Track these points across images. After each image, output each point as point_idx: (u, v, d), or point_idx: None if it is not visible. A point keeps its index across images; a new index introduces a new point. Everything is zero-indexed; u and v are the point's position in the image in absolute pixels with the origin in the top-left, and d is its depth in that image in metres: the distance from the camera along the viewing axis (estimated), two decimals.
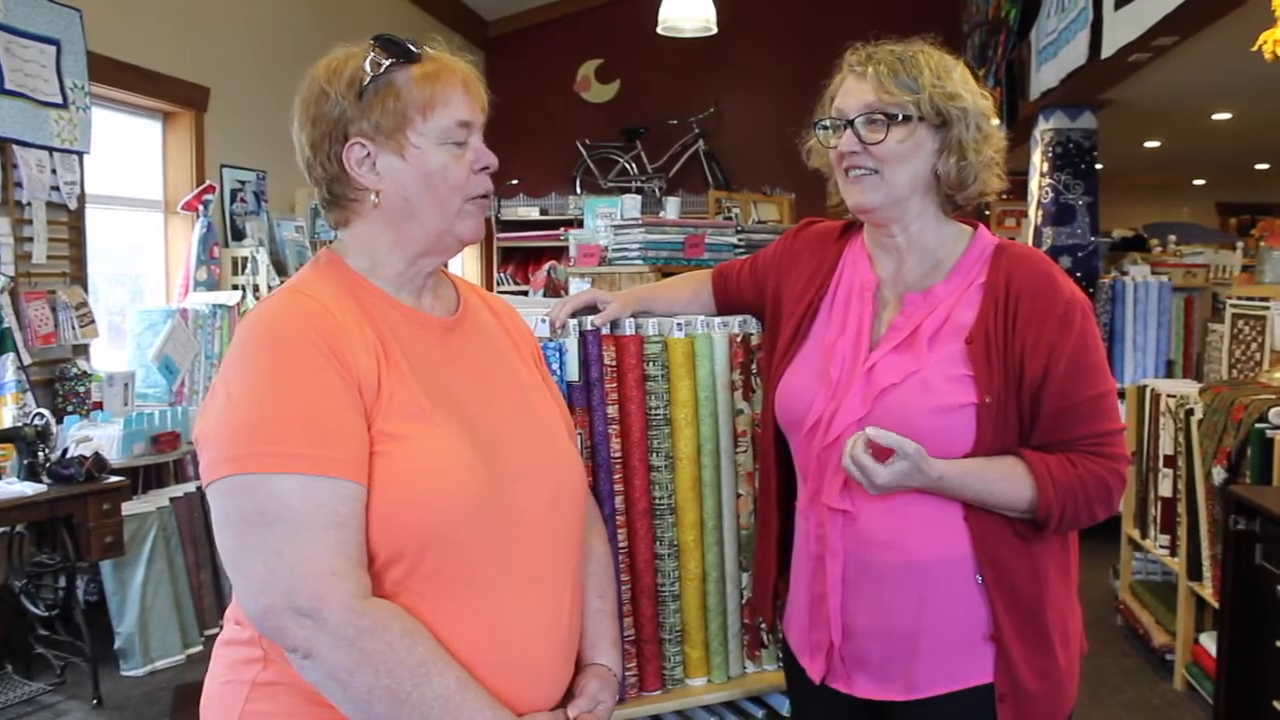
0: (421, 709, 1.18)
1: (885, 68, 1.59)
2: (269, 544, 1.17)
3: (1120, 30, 5.20)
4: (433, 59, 1.37)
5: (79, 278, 4.83)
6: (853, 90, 1.62)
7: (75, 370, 4.64)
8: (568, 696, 1.40)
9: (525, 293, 7.97)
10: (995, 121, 1.66)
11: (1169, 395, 4.26)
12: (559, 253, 8.19)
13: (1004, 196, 1.82)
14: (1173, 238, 8.05)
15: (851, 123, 1.61)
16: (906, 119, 1.59)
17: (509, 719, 1.25)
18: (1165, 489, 4.25)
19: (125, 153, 5.55)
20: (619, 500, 1.94)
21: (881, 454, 1.51)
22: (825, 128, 1.67)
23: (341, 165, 1.34)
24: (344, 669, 1.17)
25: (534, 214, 9.36)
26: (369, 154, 1.34)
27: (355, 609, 1.18)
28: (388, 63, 1.33)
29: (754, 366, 2.02)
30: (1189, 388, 4.20)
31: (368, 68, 1.33)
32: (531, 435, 1.41)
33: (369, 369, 1.27)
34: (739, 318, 2.03)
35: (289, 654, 1.20)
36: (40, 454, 3.96)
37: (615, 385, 1.94)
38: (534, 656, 1.33)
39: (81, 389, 4.63)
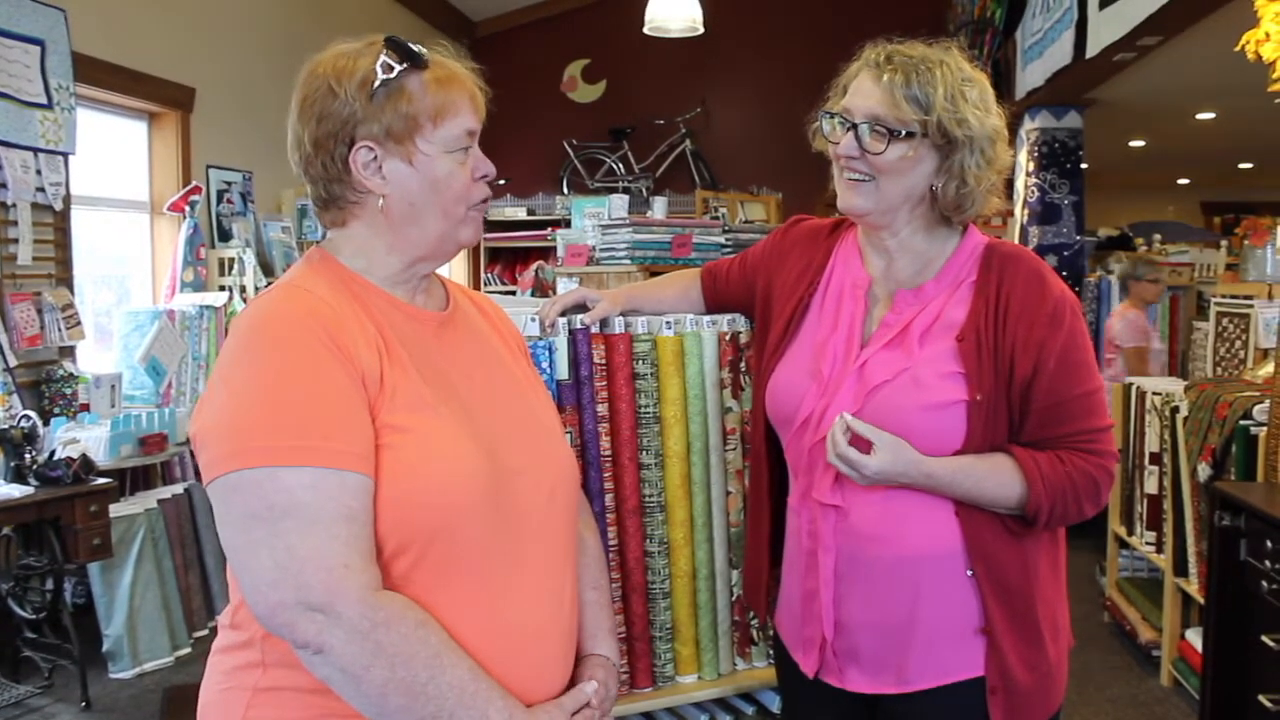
0: (436, 700, 1.18)
1: (901, 77, 1.56)
2: (279, 539, 1.16)
3: (1105, 30, 5.24)
4: (442, 65, 1.37)
5: (65, 279, 4.81)
6: (865, 91, 1.60)
7: (62, 372, 4.62)
8: (569, 687, 1.39)
9: (513, 293, 7.95)
10: (1004, 140, 1.63)
11: (1155, 393, 4.28)
12: (546, 253, 8.19)
13: None
14: (1158, 237, 8.10)
15: (855, 126, 1.60)
16: (910, 135, 1.57)
17: (518, 709, 1.25)
18: (1151, 486, 4.27)
19: (111, 154, 5.52)
20: (609, 498, 1.95)
21: (862, 446, 1.52)
22: (831, 116, 1.64)
23: (345, 166, 1.33)
24: (359, 663, 1.16)
25: (521, 214, 9.34)
26: (376, 158, 1.33)
27: (370, 602, 1.17)
28: (400, 66, 1.32)
29: (743, 365, 2.03)
30: (1174, 385, 4.23)
31: (380, 70, 1.31)
32: (527, 428, 1.41)
33: (371, 362, 1.26)
34: (728, 316, 2.04)
35: (298, 651, 1.18)
36: (27, 456, 3.94)
37: (605, 383, 1.94)
38: (537, 646, 1.33)
39: (68, 391, 4.61)
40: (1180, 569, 3.88)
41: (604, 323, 1.95)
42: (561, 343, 1.91)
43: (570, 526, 1.45)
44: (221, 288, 5.69)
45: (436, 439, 1.26)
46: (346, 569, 1.17)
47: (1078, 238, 6.85)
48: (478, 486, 1.27)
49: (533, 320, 1.91)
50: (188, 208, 5.52)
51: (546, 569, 1.36)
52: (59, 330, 4.60)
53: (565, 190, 9.48)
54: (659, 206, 4.43)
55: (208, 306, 5.36)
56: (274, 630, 1.19)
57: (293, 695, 1.25)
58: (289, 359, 1.23)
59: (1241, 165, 12.00)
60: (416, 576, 1.24)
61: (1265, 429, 3.31)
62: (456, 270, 9.30)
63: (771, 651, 2.00)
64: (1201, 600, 3.56)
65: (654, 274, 3.27)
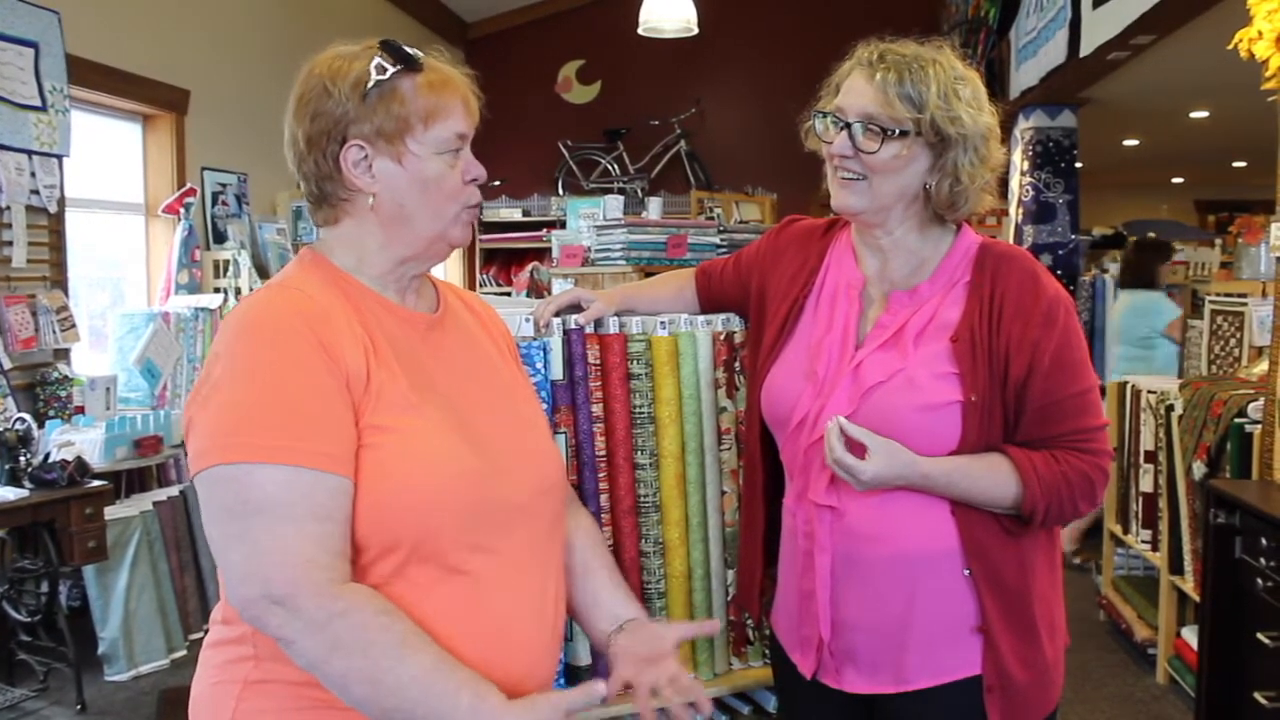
0: (398, 691, 1.19)
1: (894, 75, 1.56)
2: (249, 534, 1.18)
3: (1099, 29, 5.25)
4: (436, 69, 1.38)
5: (60, 281, 4.81)
6: (857, 90, 1.59)
7: (56, 374, 4.61)
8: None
9: (508, 294, 7.96)
10: (997, 138, 1.63)
11: (1149, 391, 4.29)
12: (541, 254, 8.18)
13: None
14: (1152, 235, 8.10)
15: (849, 125, 1.60)
16: (904, 134, 1.57)
17: (490, 694, 1.21)
18: (1146, 484, 4.28)
19: (105, 156, 5.51)
20: (604, 498, 1.95)
21: (857, 449, 1.52)
22: (824, 115, 1.64)
23: (336, 164, 1.35)
24: (319, 655, 1.18)
25: (516, 215, 9.34)
26: (366, 156, 1.34)
27: (328, 593, 1.18)
28: (393, 68, 1.34)
29: (737, 364, 2.03)
30: (1169, 384, 4.23)
31: (373, 71, 1.33)
32: (514, 428, 1.43)
33: (358, 363, 1.27)
34: (722, 316, 2.04)
35: (279, 643, 1.21)
36: (22, 459, 3.93)
37: (600, 384, 1.94)
38: (524, 642, 1.34)
39: (63, 393, 4.60)
40: (1176, 567, 3.89)
41: (599, 323, 1.96)
42: (556, 343, 1.91)
43: (557, 525, 1.47)
44: (216, 290, 5.68)
45: (422, 440, 1.28)
46: (309, 564, 1.18)
47: (1072, 237, 6.86)
48: (464, 486, 1.28)
49: (528, 321, 1.91)
50: (182, 210, 5.52)
51: (532, 565, 1.38)
52: (54, 333, 4.60)
53: (560, 191, 9.48)
54: (654, 207, 4.43)
55: (203, 308, 5.35)
56: (249, 623, 1.22)
57: (282, 687, 1.27)
58: (275, 358, 1.24)
59: (1235, 164, 12.02)
60: (403, 574, 1.26)
61: (1260, 426, 3.32)
62: (452, 272, 9.30)
63: (767, 651, 2.00)
64: (1197, 598, 3.56)
65: (649, 274, 3.27)
